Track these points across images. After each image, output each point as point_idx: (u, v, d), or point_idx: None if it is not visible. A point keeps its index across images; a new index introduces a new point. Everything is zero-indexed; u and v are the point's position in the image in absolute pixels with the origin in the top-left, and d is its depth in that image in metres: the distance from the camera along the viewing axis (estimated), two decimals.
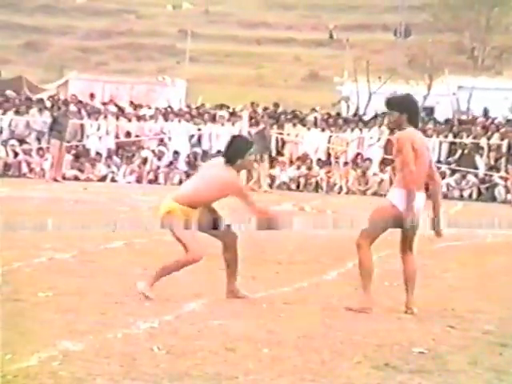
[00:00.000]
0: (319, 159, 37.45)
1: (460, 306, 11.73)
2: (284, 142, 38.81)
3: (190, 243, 11.79)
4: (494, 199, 34.21)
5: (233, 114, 40.61)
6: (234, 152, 12.19)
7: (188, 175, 35.62)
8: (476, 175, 35.54)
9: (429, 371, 8.71)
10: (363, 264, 11.55)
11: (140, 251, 16.27)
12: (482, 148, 36.28)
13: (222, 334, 9.85)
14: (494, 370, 8.89)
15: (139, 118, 40.27)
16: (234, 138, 12.78)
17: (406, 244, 11.68)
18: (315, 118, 40.08)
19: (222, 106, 42.62)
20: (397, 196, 11.41)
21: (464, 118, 42.24)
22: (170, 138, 39.61)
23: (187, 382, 7.88)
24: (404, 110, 11.55)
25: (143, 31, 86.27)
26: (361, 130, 38.42)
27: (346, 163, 37.29)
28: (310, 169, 36.56)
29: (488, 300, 12.28)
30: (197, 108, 43.61)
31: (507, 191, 34.32)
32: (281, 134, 38.75)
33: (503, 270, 15.71)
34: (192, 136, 39.59)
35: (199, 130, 39.83)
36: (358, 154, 37.57)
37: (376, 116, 39.96)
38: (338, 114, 43.50)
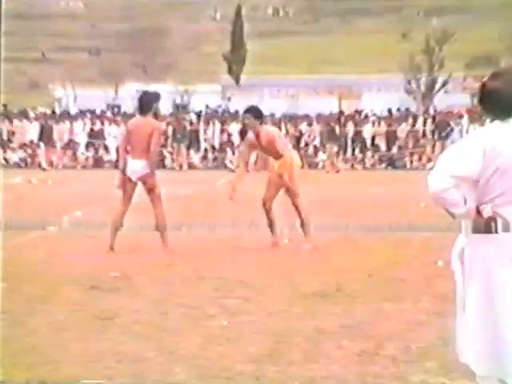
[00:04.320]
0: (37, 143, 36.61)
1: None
2: (14, 132, 37.65)
3: None
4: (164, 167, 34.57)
5: None
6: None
7: None
8: None
9: (119, 288, 8.88)
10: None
11: None
12: None
13: None
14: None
15: None
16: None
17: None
18: (36, 115, 39.26)
19: None
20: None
21: None
22: None
23: None
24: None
25: None
26: (71, 122, 37.81)
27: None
28: (34, 151, 35.74)
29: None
30: None
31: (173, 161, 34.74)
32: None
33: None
34: None
35: None
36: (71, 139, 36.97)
37: (81, 112, 39.73)
38: (53, 111, 42.81)
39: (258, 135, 11.79)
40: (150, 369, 6.08)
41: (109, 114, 39.33)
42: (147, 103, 11.71)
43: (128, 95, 45.48)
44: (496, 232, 4.50)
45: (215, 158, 35.09)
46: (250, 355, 6.42)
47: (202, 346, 6.71)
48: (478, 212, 4.53)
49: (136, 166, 11.42)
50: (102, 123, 37.51)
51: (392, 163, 34.00)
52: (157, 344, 6.73)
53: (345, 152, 35.07)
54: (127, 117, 38.45)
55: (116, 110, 41.15)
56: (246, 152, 12.75)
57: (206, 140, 36.23)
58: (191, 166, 34.35)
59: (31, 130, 37.12)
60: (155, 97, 12.00)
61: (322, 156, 34.88)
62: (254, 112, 11.94)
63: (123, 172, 11.52)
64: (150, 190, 11.56)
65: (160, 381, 5.82)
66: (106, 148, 36.33)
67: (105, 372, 6.01)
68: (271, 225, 11.89)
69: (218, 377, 5.89)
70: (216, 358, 6.34)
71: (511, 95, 4.56)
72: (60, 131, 37.14)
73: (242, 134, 35.79)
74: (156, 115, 11.89)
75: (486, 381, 4.58)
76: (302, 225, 11.84)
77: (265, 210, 11.87)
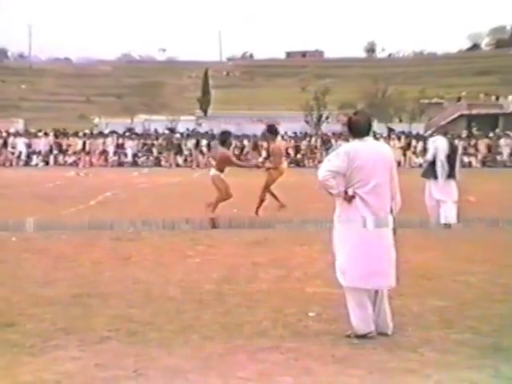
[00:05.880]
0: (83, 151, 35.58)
1: None
2: (69, 145, 36.31)
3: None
4: (160, 166, 34.00)
5: None
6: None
7: None
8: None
9: (133, 239, 8.50)
10: None
11: None
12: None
13: None
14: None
15: None
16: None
17: None
18: (83, 134, 38.04)
19: None
20: None
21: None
22: None
23: None
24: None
25: None
26: (104, 139, 36.79)
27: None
28: (81, 156, 34.88)
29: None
30: None
31: (166, 162, 34.13)
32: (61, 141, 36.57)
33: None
34: None
35: None
36: (104, 149, 36.01)
37: (110, 132, 38.57)
38: (92, 132, 41.36)
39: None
40: (154, 288, 6.01)
41: (127, 134, 38.65)
42: (225, 138, 11.61)
43: (139, 122, 44.97)
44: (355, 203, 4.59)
45: (191, 161, 34.79)
46: (213, 279, 6.39)
47: (184, 274, 6.65)
48: (346, 192, 4.61)
49: (210, 172, 11.33)
50: (123, 139, 36.95)
51: (298, 164, 34.28)
52: (157, 273, 6.66)
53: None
54: (139, 136, 37.95)
55: (131, 131, 40.37)
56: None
57: (187, 149, 35.86)
58: (177, 165, 33.99)
59: (79, 144, 36.34)
60: (228, 134, 11.96)
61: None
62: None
63: None
64: (214, 184, 11.19)
65: (159, 295, 5.76)
66: (126, 155, 35.83)
67: (125, 289, 5.94)
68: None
69: (194, 292, 5.84)
70: (193, 281, 6.30)
71: (364, 125, 4.74)
72: (97, 144, 36.34)
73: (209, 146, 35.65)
74: (230, 145, 12.04)
75: (351, 290, 4.62)
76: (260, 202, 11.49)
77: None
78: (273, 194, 11.80)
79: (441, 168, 9.98)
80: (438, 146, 10.10)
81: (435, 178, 10.06)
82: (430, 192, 10.14)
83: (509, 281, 6.24)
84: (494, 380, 3.64)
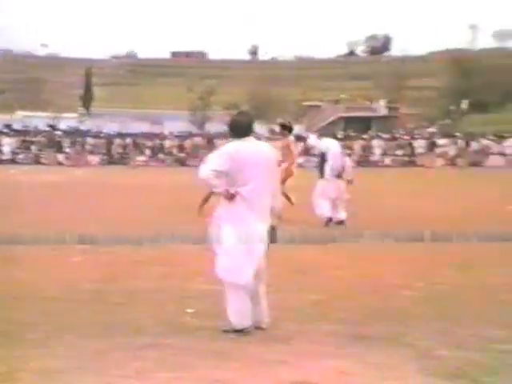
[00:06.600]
0: None
1: None
2: None
3: None
4: (41, 163, 32.54)
5: None
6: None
7: None
8: None
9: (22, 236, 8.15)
10: None
11: None
12: None
13: None
14: None
15: None
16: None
17: None
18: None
19: None
20: None
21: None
22: None
23: None
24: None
25: None
26: None
27: None
28: None
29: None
30: None
31: (46, 159, 32.76)
32: None
33: None
34: None
35: None
36: None
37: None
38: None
39: None
40: (33, 288, 5.76)
41: (5, 130, 36.59)
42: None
43: (18, 119, 42.84)
44: (236, 201, 4.59)
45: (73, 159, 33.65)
46: (94, 278, 6.25)
47: (64, 273, 6.46)
48: (228, 191, 4.59)
49: None
50: (0, 136, 35.04)
51: (182, 163, 34.09)
52: (37, 273, 6.38)
53: (156, 155, 35.10)
54: (18, 132, 36.02)
55: (9, 128, 38.23)
56: None
57: (67, 147, 34.59)
58: (58, 163, 32.71)
59: None
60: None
61: (139, 157, 34.68)
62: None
63: None
64: None
65: (39, 296, 5.49)
66: (1, 151, 34.06)
67: (4, 290, 5.64)
68: None
69: (74, 292, 5.69)
70: (73, 280, 6.14)
71: (245, 125, 4.75)
72: None
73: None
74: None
75: (231, 286, 4.62)
76: None
77: None
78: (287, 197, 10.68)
79: (330, 168, 10.41)
80: (329, 146, 10.57)
81: (329, 176, 10.40)
82: (323, 190, 10.40)
83: (376, 274, 6.61)
84: (359, 366, 3.85)
